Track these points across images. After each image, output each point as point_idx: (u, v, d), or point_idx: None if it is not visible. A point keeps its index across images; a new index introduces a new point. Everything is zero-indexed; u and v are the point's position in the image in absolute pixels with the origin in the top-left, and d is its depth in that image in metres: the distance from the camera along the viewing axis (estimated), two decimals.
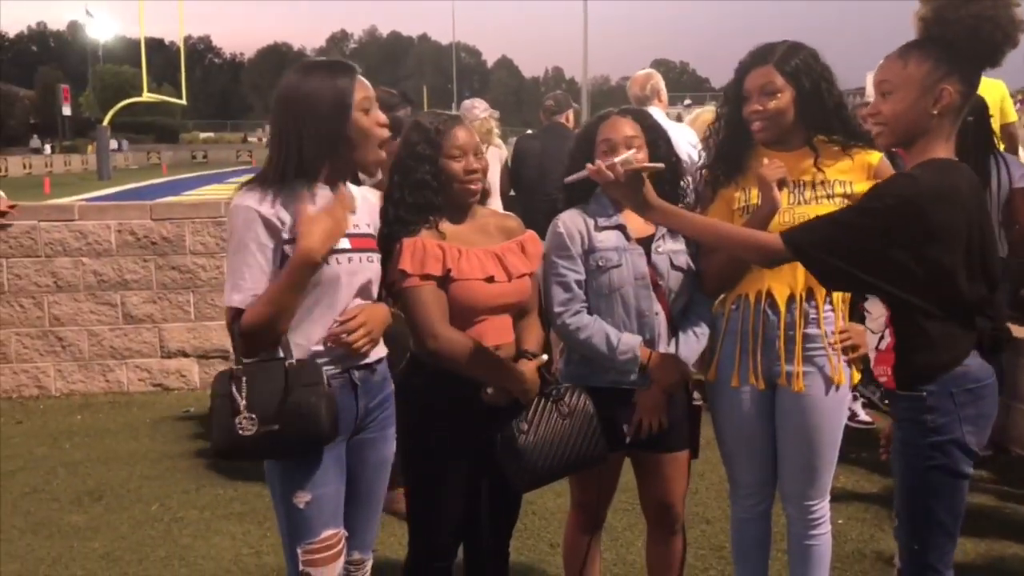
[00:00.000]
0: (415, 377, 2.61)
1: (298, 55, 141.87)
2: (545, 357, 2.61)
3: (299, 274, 2.22)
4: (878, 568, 3.68)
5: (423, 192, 2.56)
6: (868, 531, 3.98)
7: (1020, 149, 6.76)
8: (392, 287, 2.52)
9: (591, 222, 2.72)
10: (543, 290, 2.75)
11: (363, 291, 2.42)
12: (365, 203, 2.52)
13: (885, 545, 3.81)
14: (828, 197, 2.63)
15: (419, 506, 2.64)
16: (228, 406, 2.20)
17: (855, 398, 5.33)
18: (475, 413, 2.53)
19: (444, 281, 2.50)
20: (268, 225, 2.24)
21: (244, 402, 2.19)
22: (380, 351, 2.50)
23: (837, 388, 2.68)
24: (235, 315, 2.25)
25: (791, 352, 2.66)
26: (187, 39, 78.24)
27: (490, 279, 2.55)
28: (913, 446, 2.25)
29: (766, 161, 2.59)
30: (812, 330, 2.66)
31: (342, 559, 2.40)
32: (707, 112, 5.92)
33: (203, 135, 72.00)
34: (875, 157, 2.68)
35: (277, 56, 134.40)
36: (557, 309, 2.70)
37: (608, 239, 2.70)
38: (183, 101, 49.13)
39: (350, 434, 2.43)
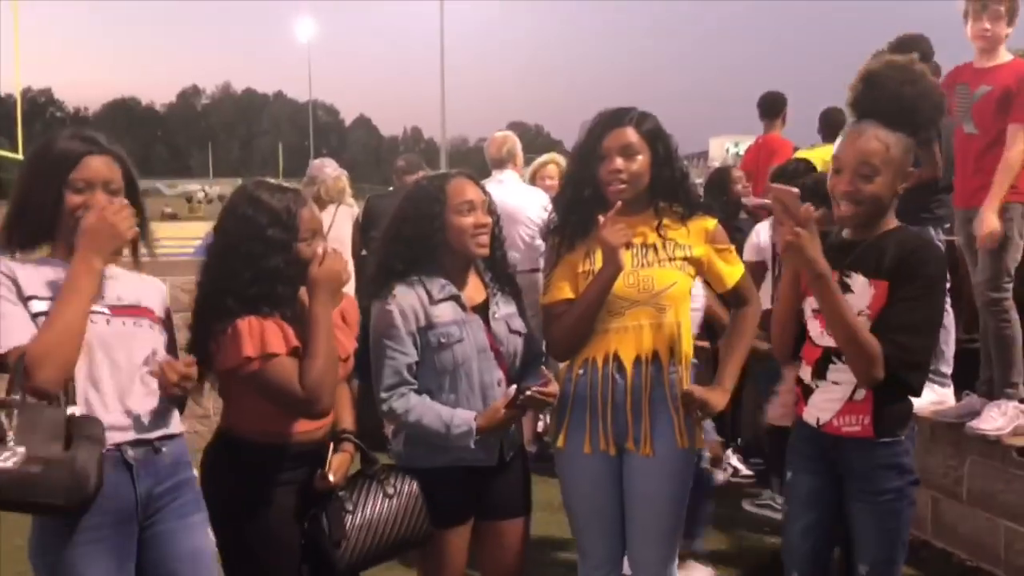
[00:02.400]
0: (222, 456, 2.43)
1: (146, 110, 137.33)
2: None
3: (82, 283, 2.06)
4: None
5: (275, 284, 2.33)
6: None
7: None
8: (234, 375, 2.31)
9: (425, 296, 2.62)
10: (373, 370, 2.63)
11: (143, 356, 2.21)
12: (140, 282, 2.32)
13: None
14: (670, 260, 2.66)
15: None
16: None
17: (735, 452, 5.39)
18: (293, 494, 2.39)
19: (294, 354, 2.32)
20: (14, 283, 2.09)
21: (12, 433, 1.92)
22: (172, 427, 2.27)
23: (684, 450, 2.67)
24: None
25: (638, 415, 2.64)
26: (26, 91, 74.43)
27: None
28: (893, 491, 2.33)
29: (601, 219, 2.56)
30: (658, 392, 2.65)
31: None
32: (549, 161, 6.02)
33: None
34: (711, 223, 2.74)
35: (124, 110, 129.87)
36: (383, 395, 2.59)
37: (445, 312, 2.62)
38: (19, 155, 46.59)
39: (134, 524, 2.18)
